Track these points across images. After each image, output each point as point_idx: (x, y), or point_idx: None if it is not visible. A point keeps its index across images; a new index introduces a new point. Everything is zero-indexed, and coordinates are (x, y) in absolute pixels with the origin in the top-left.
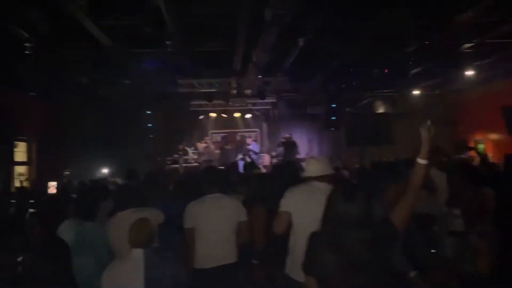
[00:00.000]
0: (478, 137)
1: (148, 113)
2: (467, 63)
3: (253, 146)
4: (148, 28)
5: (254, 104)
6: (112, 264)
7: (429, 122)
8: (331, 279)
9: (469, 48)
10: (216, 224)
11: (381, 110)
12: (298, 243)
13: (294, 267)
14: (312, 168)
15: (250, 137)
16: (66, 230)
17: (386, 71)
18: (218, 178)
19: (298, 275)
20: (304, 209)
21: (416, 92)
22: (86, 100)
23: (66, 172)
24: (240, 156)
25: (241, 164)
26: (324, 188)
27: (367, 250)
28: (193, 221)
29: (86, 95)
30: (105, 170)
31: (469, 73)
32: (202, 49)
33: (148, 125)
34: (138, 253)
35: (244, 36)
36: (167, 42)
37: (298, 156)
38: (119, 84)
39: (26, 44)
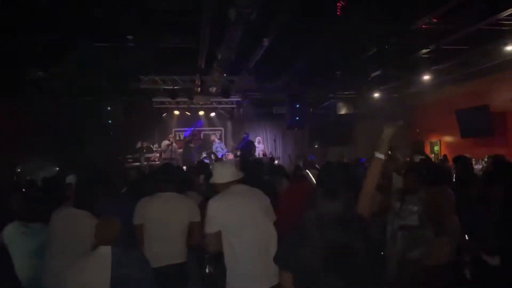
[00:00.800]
0: (434, 139)
1: (108, 109)
2: (423, 68)
3: (219, 144)
4: (110, 21)
5: (219, 103)
6: (76, 261)
7: (401, 122)
8: (310, 275)
9: (425, 53)
10: (164, 222)
11: (343, 111)
12: (238, 255)
13: (237, 279)
14: (219, 175)
15: (215, 135)
16: (10, 235)
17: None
18: (174, 176)
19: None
20: (239, 222)
21: (376, 95)
22: (42, 95)
23: (17, 169)
24: (204, 154)
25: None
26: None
27: (349, 246)
28: (141, 218)
29: (42, 89)
30: (57, 168)
31: (426, 77)
32: (165, 45)
33: (109, 121)
34: (105, 250)
35: (208, 33)
36: (128, 37)
37: (258, 155)
38: (77, 79)
39: None
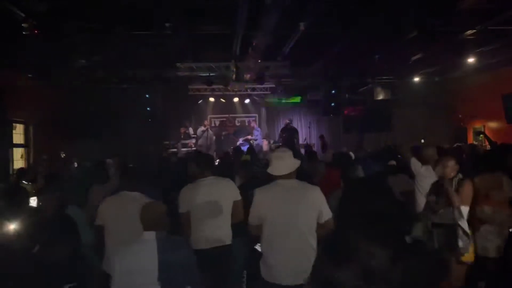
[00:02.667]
0: (477, 125)
1: (147, 97)
2: (468, 50)
3: (256, 132)
4: (148, 9)
5: (254, 89)
6: (124, 245)
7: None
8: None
9: (470, 35)
10: (210, 207)
11: (380, 96)
12: (272, 246)
13: (269, 270)
14: (277, 166)
15: (255, 121)
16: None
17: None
18: (209, 162)
19: (276, 278)
20: (275, 211)
21: (416, 79)
22: (84, 83)
23: (62, 154)
24: (241, 141)
25: (244, 149)
26: (292, 186)
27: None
28: (187, 205)
29: (84, 77)
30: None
31: (470, 60)
32: (201, 32)
33: (147, 108)
34: (149, 236)
35: (244, 19)
36: (166, 25)
37: (298, 142)
38: (117, 67)
39: (23, 25)
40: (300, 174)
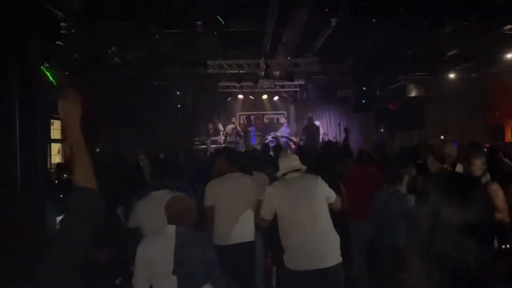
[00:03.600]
0: None
1: (178, 94)
2: (506, 45)
3: (285, 129)
4: (179, 7)
5: (283, 86)
6: (146, 239)
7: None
8: None
9: (509, 29)
10: (235, 202)
11: (413, 93)
12: (290, 235)
13: (291, 257)
14: (284, 165)
15: (284, 117)
16: None
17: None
18: (237, 158)
19: (297, 265)
20: (286, 203)
21: (451, 75)
22: (118, 80)
23: (96, 149)
24: (269, 137)
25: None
26: (297, 178)
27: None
28: (213, 199)
29: (118, 74)
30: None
31: (509, 55)
32: (231, 30)
33: (178, 105)
34: (170, 229)
35: (274, 16)
36: (197, 23)
37: (321, 140)
38: (149, 65)
39: (61, 24)
40: (330, 170)
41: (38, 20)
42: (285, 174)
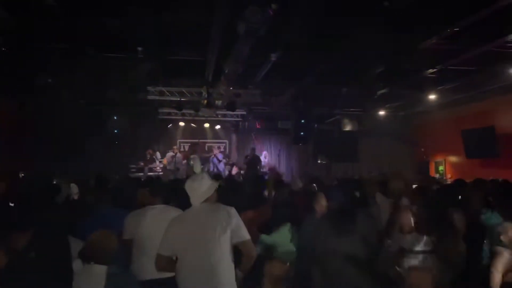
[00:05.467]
0: (439, 158)
1: (115, 119)
2: (430, 87)
3: (220, 156)
4: (120, 32)
5: (224, 115)
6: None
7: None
8: None
9: (432, 73)
10: (154, 236)
11: (348, 127)
12: (183, 271)
13: None
14: (193, 196)
15: (219, 148)
16: None
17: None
18: (161, 189)
19: None
20: (185, 240)
21: (382, 112)
22: (49, 102)
23: (21, 174)
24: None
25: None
26: (205, 208)
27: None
28: (131, 233)
29: (50, 96)
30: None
31: (432, 96)
32: (174, 57)
33: (115, 131)
34: (100, 270)
35: (217, 47)
36: (138, 49)
37: (263, 169)
38: (85, 88)
39: None
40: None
41: None
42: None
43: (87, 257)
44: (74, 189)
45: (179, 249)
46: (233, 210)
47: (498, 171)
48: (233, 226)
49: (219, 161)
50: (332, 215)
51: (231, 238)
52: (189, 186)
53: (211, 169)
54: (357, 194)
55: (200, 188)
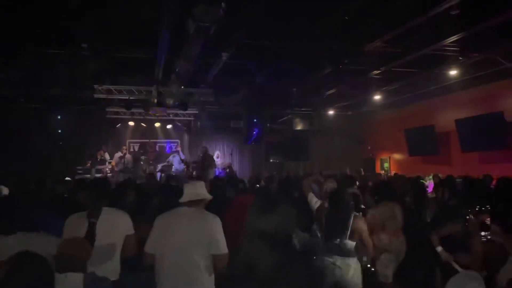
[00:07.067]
0: (384, 156)
1: (58, 118)
2: (374, 88)
3: (175, 157)
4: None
5: (176, 115)
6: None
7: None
8: None
9: (376, 74)
10: (99, 239)
11: (299, 127)
12: (164, 274)
13: None
14: (188, 192)
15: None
16: None
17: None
18: (103, 191)
19: None
20: (167, 239)
21: (331, 112)
22: None
23: None
24: (159, 167)
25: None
26: (190, 212)
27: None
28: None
29: None
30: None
31: (377, 97)
32: (122, 55)
33: (58, 131)
34: (76, 279)
35: (167, 45)
36: (83, 45)
37: (219, 169)
38: (25, 86)
39: None
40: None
41: None
42: (185, 203)
43: (60, 268)
44: (5, 192)
45: (159, 249)
46: (217, 220)
47: (438, 167)
48: (214, 236)
49: (182, 160)
50: (256, 202)
51: (208, 247)
52: (187, 184)
53: (173, 169)
54: (296, 193)
55: (195, 189)
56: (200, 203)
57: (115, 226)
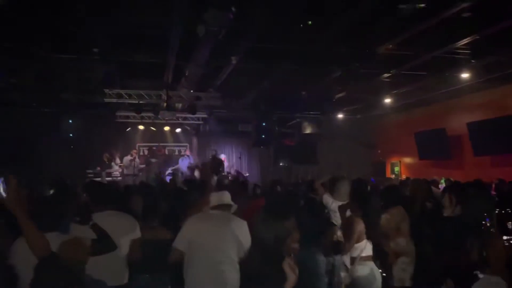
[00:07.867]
0: (394, 159)
1: (70, 122)
2: (384, 91)
3: (184, 161)
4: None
5: (185, 118)
6: None
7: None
8: None
9: (386, 77)
10: None
11: (308, 130)
12: (194, 272)
13: None
14: (215, 199)
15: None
16: None
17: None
18: (105, 194)
19: None
20: (200, 238)
21: (339, 116)
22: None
23: None
24: (169, 170)
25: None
26: (221, 216)
27: None
28: None
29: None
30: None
31: (387, 100)
32: (132, 59)
33: (69, 135)
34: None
35: (176, 49)
36: (94, 50)
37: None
38: (37, 90)
39: None
40: None
41: None
42: (213, 208)
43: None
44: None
45: (190, 247)
46: (245, 225)
47: (449, 172)
48: (243, 240)
49: (190, 165)
50: (267, 205)
51: (237, 249)
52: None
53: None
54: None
55: (222, 195)
56: (227, 208)
57: (120, 229)
